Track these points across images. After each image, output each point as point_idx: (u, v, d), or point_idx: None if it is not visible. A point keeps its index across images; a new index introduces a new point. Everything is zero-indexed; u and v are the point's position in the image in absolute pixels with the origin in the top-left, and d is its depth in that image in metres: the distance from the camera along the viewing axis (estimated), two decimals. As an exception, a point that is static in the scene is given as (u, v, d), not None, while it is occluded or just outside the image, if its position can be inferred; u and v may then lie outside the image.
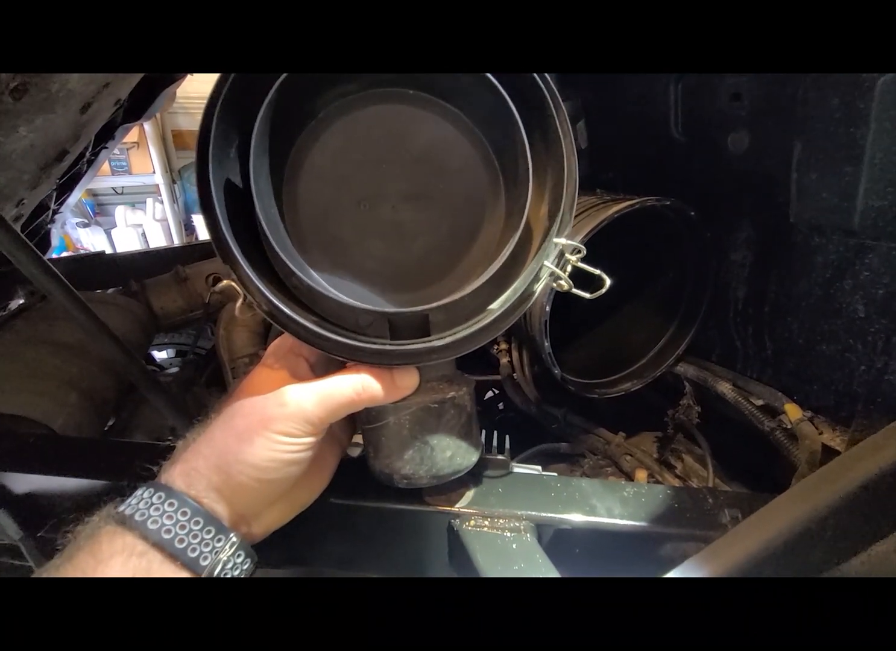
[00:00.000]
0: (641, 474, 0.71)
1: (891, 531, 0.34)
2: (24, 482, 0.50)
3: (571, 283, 0.37)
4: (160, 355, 1.80)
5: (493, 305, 0.37)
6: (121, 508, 0.33)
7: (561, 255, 0.37)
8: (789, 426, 0.61)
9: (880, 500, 0.34)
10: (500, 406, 1.24)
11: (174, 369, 1.56)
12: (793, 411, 0.61)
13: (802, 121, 0.48)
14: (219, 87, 0.32)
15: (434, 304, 0.34)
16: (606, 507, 0.42)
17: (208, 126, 0.32)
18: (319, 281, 0.37)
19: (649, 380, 0.74)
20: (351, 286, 0.38)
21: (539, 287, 0.37)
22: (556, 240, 0.36)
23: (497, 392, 1.25)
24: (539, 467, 0.53)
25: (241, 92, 0.32)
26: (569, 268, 0.37)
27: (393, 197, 0.37)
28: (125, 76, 1.27)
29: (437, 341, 0.35)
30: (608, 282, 0.37)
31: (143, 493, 0.33)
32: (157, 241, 3.67)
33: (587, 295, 0.38)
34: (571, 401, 0.82)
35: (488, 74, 0.33)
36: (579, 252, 0.36)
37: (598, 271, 0.37)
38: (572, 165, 0.35)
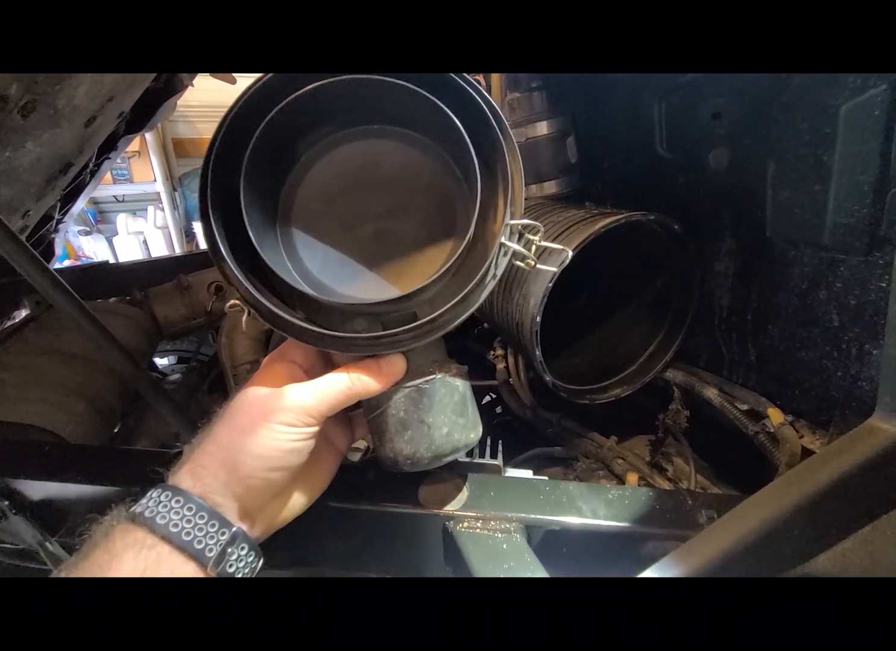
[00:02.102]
0: (632, 477, 0.74)
1: (854, 530, 0.37)
2: (39, 489, 0.52)
3: (536, 259, 0.40)
4: (162, 362, 1.82)
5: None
6: (132, 508, 0.36)
7: (520, 235, 0.40)
8: (772, 430, 0.64)
9: (844, 501, 0.36)
10: (498, 410, 1.26)
11: (176, 375, 1.59)
12: (775, 415, 0.64)
13: (776, 142, 0.51)
14: (215, 135, 0.36)
15: (410, 289, 0.37)
16: (592, 508, 0.45)
17: (206, 175, 0.36)
18: (310, 280, 0.40)
19: (639, 386, 0.77)
20: (344, 298, 0.41)
21: (503, 262, 0.40)
22: (511, 221, 0.39)
23: (494, 396, 1.27)
24: (530, 471, 0.55)
25: (234, 139, 0.36)
26: (533, 247, 0.40)
27: (373, 216, 0.42)
28: (128, 89, 1.30)
29: (415, 325, 0.38)
30: (570, 254, 0.42)
31: (152, 494, 0.36)
32: (158, 248, 3.70)
33: (553, 269, 0.42)
34: (566, 405, 0.84)
35: (434, 98, 0.36)
36: (539, 232, 0.40)
37: (559, 246, 0.42)
38: (516, 160, 0.39)
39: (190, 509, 0.35)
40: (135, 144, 3.51)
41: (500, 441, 0.55)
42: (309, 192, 0.41)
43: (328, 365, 0.43)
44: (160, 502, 0.35)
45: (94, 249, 3.65)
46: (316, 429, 0.39)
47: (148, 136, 3.50)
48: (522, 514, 0.44)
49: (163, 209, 3.75)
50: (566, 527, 0.44)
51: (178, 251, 3.77)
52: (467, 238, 0.37)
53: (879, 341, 0.48)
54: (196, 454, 0.38)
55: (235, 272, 0.36)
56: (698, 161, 0.63)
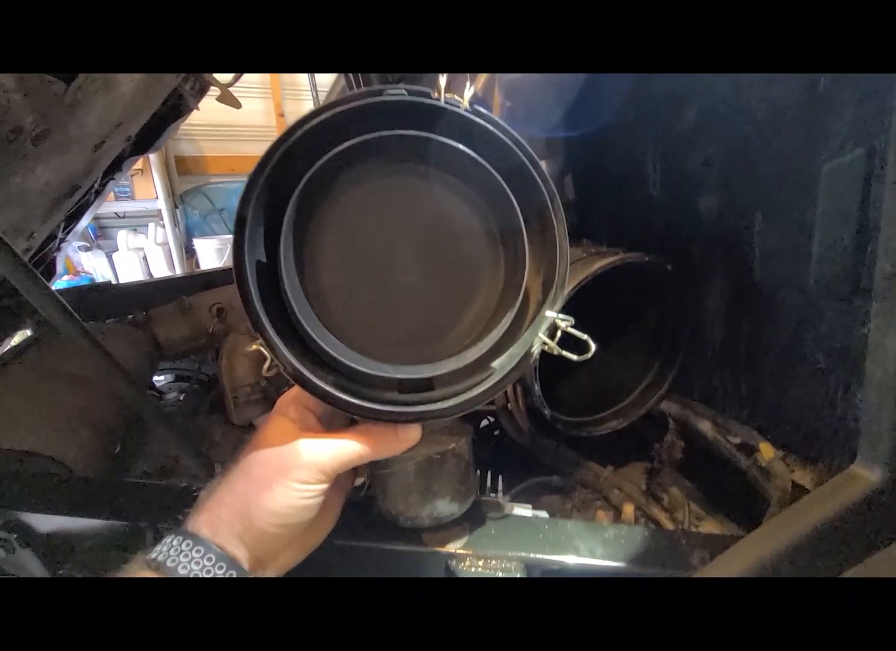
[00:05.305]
0: (628, 508, 0.75)
1: (838, 575, 0.38)
2: (47, 523, 0.53)
3: (560, 349, 0.41)
4: (158, 378, 1.82)
5: (493, 365, 0.42)
6: (152, 556, 0.37)
7: (553, 326, 0.41)
8: (763, 464, 0.66)
9: (828, 547, 0.38)
10: (496, 433, 1.27)
11: (173, 393, 1.60)
12: (766, 450, 0.65)
13: (762, 193, 0.54)
14: (254, 178, 0.37)
15: (438, 372, 0.38)
16: (589, 548, 0.46)
17: (244, 216, 0.36)
18: (337, 344, 0.40)
19: (634, 418, 0.78)
20: (364, 340, 0.41)
21: (535, 353, 0.41)
22: (548, 313, 0.40)
23: (493, 420, 1.28)
24: (530, 506, 0.56)
25: (273, 179, 0.37)
26: (559, 333, 0.41)
27: (402, 259, 0.41)
28: (137, 114, 1.33)
29: (440, 404, 0.39)
30: (593, 348, 0.41)
31: (172, 541, 0.37)
32: (158, 264, 3.73)
33: (574, 357, 0.42)
34: (563, 432, 0.85)
35: (492, 169, 0.38)
36: (570, 324, 0.40)
37: (585, 336, 0.41)
38: (564, 249, 0.40)
39: (210, 560, 0.36)
40: (138, 162, 3.54)
41: (500, 476, 0.57)
42: (341, 223, 0.40)
43: (341, 413, 0.45)
44: (181, 551, 0.36)
45: (94, 265, 3.66)
46: (327, 486, 0.40)
47: (151, 155, 3.54)
48: (523, 554, 0.46)
49: (163, 226, 3.78)
50: (565, 566, 0.46)
51: (177, 267, 3.79)
52: (504, 327, 0.38)
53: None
54: (212, 503, 0.39)
55: (267, 327, 0.36)
56: (690, 204, 0.66)
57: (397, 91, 0.39)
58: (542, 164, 0.79)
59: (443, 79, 0.40)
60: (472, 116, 0.39)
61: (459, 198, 0.41)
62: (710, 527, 0.76)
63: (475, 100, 0.41)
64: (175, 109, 1.59)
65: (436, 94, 0.40)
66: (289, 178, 0.38)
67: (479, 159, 0.39)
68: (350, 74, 1.49)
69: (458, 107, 0.40)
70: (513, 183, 0.39)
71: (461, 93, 0.40)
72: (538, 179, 0.40)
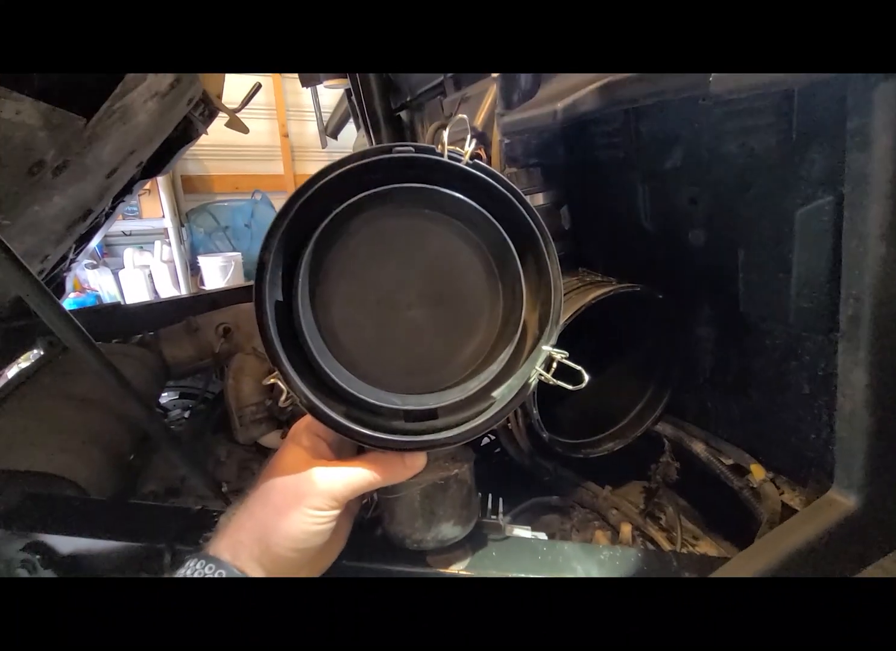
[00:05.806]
0: (626, 528, 0.77)
1: (819, 594, 0.41)
2: (68, 544, 0.56)
3: (555, 380, 0.44)
4: (162, 395, 1.84)
5: (494, 395, 0.45)
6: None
7: (549, 358, 0.44)
8: (755, 485, 0.68)
9: (808, 568, 0.40)
10: (497, 450, 1.30)
11: (177, 411, 1.62)
12: (757, 472, 0.68)
13: (744, 231, 0.58)
14: (274, 227, 0.40)
15: (442, 403, 0.41)
16: (586, 569, 0.48)
17: (265, 260, 0.40)
18: (348, 376, 0.43)
19: (630, 440, 0.81)
20: (372, 371, 0.44)
21: (532, 384, 0.44)
22: (544, 347, 0.43)
23: (494, 438, 1.31)
24: (529, 527, 0.59)
25: (291, 226, 0.41)
26: (554, 365, 0.44)
27: (408, 295, 0.44)
28: (149, 142, 1.38)
29: (444, 433, 0.42)
30: (587, 378, 0.44)
31: (195, 564, 0.40)
32: (164, 281, 3.78)
33: (569, 387, 0.44)
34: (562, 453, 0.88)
35: (490, 216, 0.41)
36: (565, 357, 0.44)
37: (578, 367, 0.44)
38: (559, 289, 0.43)
39: None
40: (146, 183, 3.63)
41: (500, 499, 0.59)
42: (351, 264, 0.43)
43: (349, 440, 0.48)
44: (204, 574, 0.39)
45: (100, 282, 3.71)
46: (338, 512, 0.43)
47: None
48: (521, 575, 0.48)
49: (169, 244, 3.84)
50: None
51: (182, 284, 3.85)
52: (504, 360, 0.41)
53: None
54: (233, 529, 0.42)
55: (285, 363, 0.39)
56: (679, 237, 0.69)
57: (405, 148, 0.43)
58: (539, 197, 0.84)
59: (445, 133, 0.44)
60: (473, 170, 0.43)
61: (461, 240, 0.45)
62: (705, 546, 0.78)
63: (476, 133, 0.44)
64: (184, 135, 1.66)
65: (439, 148, 0.44)
66: (305, 224, 0.42)
67: (479, 207, 0.42)
68: (353, 95, 1.54)
69: (460, 161, 0.43)
70: (511, 228, 0.43)
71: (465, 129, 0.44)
72: (534, 227, 0.43)
